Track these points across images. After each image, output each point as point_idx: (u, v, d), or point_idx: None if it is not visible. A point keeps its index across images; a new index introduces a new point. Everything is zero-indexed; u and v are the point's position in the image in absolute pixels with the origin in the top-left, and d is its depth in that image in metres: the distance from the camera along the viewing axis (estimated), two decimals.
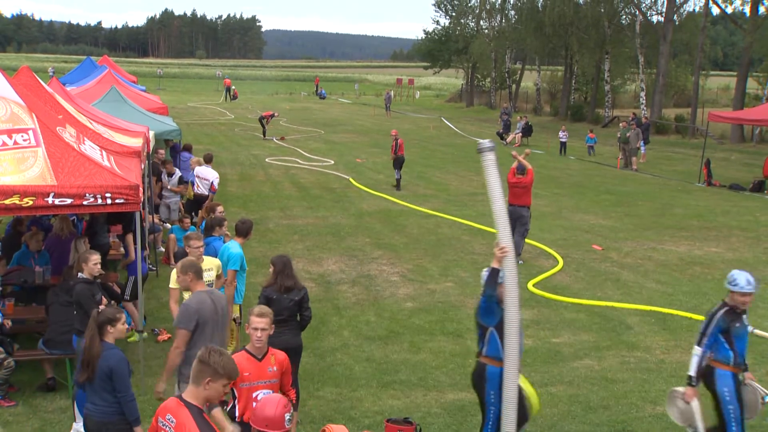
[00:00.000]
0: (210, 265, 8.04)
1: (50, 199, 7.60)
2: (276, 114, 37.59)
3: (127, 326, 6.15)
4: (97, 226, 11.22)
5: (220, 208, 10.49)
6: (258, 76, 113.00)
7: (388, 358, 9.53)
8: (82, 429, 7.35)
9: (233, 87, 68.14)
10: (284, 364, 5.82)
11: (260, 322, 5.70)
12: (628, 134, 28.52)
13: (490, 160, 6.41)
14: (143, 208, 10.74)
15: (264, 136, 34.92)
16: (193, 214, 15.09)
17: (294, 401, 5.89)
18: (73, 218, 12.05)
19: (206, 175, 15.32)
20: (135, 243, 10.06)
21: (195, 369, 4.38)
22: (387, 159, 27.99)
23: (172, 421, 4.29)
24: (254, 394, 5.62)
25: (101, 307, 7.50)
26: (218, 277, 8.15)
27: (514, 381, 6.29)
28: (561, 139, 32.44)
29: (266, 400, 4.58)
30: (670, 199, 21.66)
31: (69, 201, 7.69)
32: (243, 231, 9.02)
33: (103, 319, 5.84)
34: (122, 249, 11.86)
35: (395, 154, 22.50)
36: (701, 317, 11.15)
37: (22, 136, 7.99)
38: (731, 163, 30.51)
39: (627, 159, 28.81)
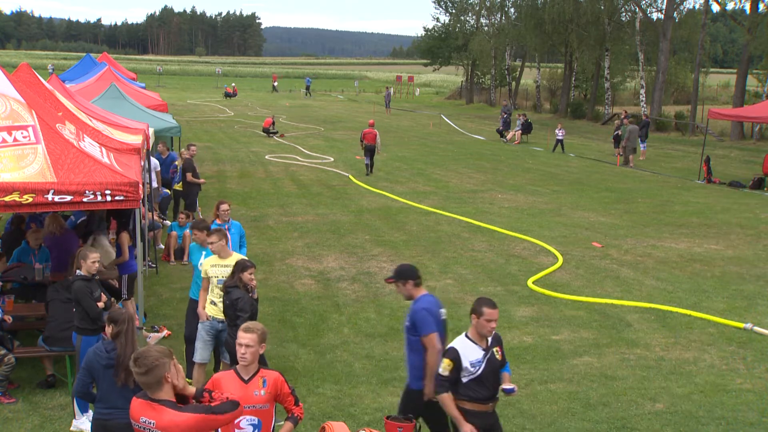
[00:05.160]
0: (233, 262, 7.95)
1: (50, 196, 7.60)
2: (273, 119, 37.39)
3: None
4: (92, 224, 11.19)
5: (224, 206, 10.28)
6: (258, 73, 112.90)
7: (388, 355, 9.53)
8: (81, 426, 7.38)
9: (233, 84, 68.15)
10: (278, 385, 5.14)
11: (244, 337, 5.06)
12: (627, 130, 28.51)
13: None
14: (143, 205, 10.76)
15: (268, 134, 34.84)
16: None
17: (301, 417, 5.33)
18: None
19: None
20: (131, 241, 10.07)
21: (147, 380, 4.35)
22: (387, 156, 28.12)
23: (150, 423, 4.32)
24: (236, 420, 4.96)
25: (100, 304, 7.51)
26: None
27: None
28: (557, 137, 32.42)
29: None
30: (670, 197, 21.66)
31: (69, 198, 7.69)
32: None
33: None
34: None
35: (361, 142, 24.12)
36: (701, 314, 11.21)
37: (22, 133, 7.99)
38: (731, 161, 30.51)
39: (626, 156, 28.81)
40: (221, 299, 7.87)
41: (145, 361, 4.35)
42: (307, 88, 71.29)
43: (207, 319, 8.03)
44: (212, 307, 8.02)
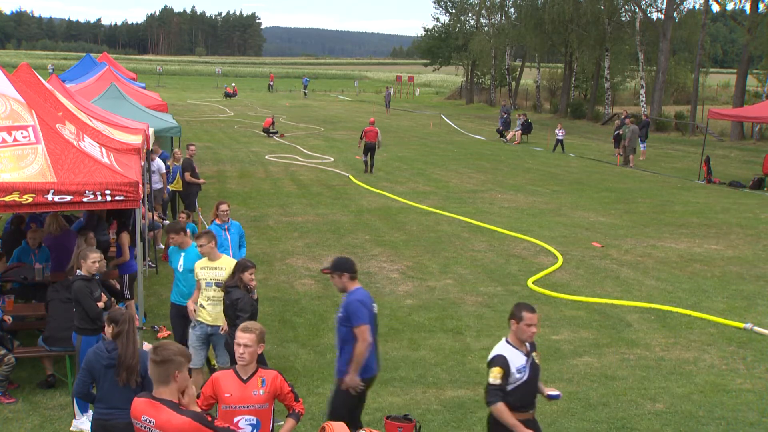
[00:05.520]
0: (223, 264, 7.93)
1: (50, 196, 7.60)
2: (273, 119, 37.36)
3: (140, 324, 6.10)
4: (91, 225, 11.17)
5: (223, 207, 10.21)
6: (258, 73, 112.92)
7: (387, 355, 9.52)
8: (81, 426, 7.38)
9: (233, 84, 68.16)
10: (276, 384, 5.16)
11: (242, 337, 5.07)
12: (628, 130, 28.52)
13: None
14: (143, 205, 10.75)
15: (268, 134, 34.85)
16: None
17: (302, 413, 5.37)
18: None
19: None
20: (131, 241, 10.07)
21: (158, 371, 4.37)
22: (387, 156, 28.14)
23: (151, 422, 4.33)
24: (235, 419, 5.06)
25: (100, 304, 7.51)
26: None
27: None
28: (557, 137, 32.44)
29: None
30: (670, 197, 21.66)
31: (69, 198, 7.69)
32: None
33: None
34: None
35: (360, 139, 24.69)
36: (701, 314, 11.22)
37: (22, 133, 7.99)
38: (731, 161, 30.51)
39: (626, 156, 28.82)
40: (209, 302, 7.85)
41: (164, 351, 4.40)
42: (305, 88, 70.95)
43: (194, 312, 7.95)
44: (201, 311, 7.93)
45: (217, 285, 7.85)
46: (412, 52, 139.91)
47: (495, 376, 5.52)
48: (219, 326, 7.87)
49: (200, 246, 7.96)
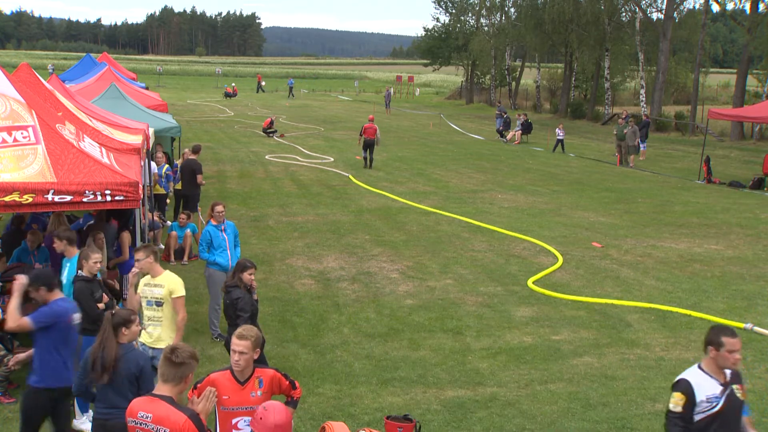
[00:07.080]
0: (163, 281, 7.40)
1: (50, 196, 7.59)
2: (273, 118, 37.37)
3: (140, 327, 6.05)
4: (88, 224, 11.16)
5: (218, 208, 10.20)
6: (258, 73, 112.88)
7: (387, 355, 9.53)
8: (81, 426, 7.37)
9: (233, 84, 68.12)
10: (274, 383, 5.24)
11: (238, 345, 5.06)
12: (625, 131, 28.54)
13: None
14: (143, 205, 10.75)
15: (268, 134, 34.87)
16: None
17: (298, 397, 5.47)
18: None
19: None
20: (131, 240, 10.06)
21: (173, 371, 4.42)
22: (386, 156, 28.16)
23: (148, 417, 4.38)
24: (234, 421, 5.11)
25: (100, 305, 7.50)
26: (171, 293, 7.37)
27: None
28: (558, 137, 32.46)
29: (271, 407, 4.44)
30: (670, 197, 21.66)
31: (69, 198, 7.68)
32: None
33: (119, 320, 5.65)
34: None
35: (360, 136, 25.56)
36: (700, 314, 11.22)
37: (22, 134, 7.98)
38: (731, 161, 30.51)
39: (625, 156, 28.82)
40: (149, 323, 7.39)
41: (183, 353, 4.49)
42: (290, 89, 70.14)
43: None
44: (143, 333, 7.38)
45: (157, 304, 7.34)
46: (412, 52, 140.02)
47: (675, 402, 5.01)
48: (160, 349, 7.09)
49: (138, 260, 7.45)
